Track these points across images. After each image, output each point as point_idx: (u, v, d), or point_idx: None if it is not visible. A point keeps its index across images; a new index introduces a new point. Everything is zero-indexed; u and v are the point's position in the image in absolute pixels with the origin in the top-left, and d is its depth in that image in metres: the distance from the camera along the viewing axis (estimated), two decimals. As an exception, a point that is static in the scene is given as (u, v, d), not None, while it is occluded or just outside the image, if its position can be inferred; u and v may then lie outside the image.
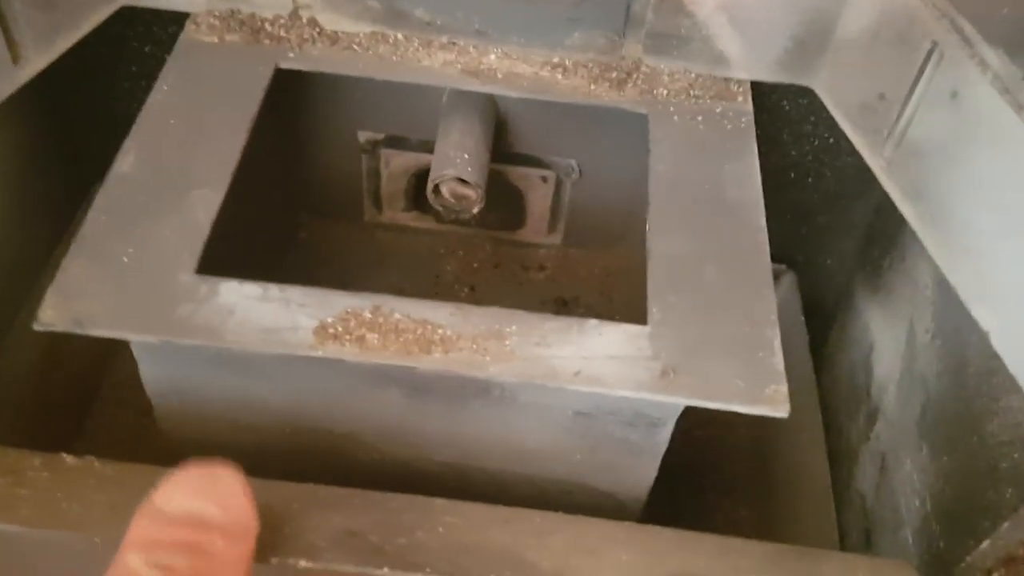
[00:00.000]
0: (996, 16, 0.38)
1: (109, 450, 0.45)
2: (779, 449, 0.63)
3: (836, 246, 0.66)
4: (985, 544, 0.40)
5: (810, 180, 0.63)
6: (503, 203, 0.66)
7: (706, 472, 0.68)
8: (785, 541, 0.40)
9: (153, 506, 0.30)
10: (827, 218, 0.65)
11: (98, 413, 0.65)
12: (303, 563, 0.34)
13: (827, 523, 0.54)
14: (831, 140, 0.60)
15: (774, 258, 0.66)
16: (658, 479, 0.65)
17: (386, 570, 0.34)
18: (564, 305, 0.66)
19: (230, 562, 0.29)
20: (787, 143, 0.61)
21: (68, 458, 0.39)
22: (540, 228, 0.68)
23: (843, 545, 0.58)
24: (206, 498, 0.30)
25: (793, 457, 0.61)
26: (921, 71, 0.43)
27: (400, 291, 0.66)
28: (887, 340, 0.57)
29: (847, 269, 0.66)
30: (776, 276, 0.67)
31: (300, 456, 0.46)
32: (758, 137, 0.59)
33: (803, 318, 0.64)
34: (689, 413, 0.70)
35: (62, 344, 0.60)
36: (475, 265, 0.69)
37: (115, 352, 0.67)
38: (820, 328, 0.69)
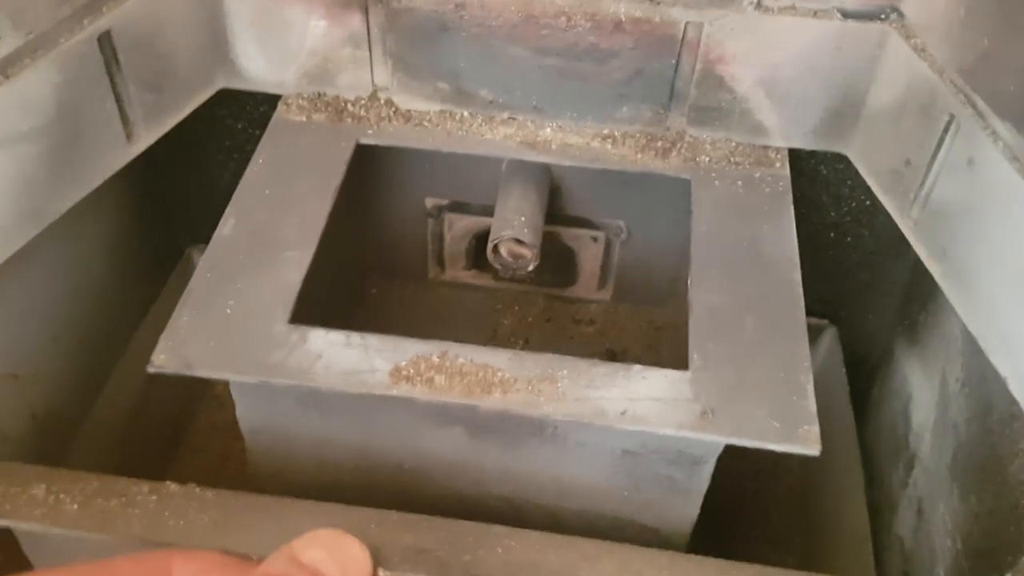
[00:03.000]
0: (1004, 92, 0.42)
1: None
2: (823, 498, 0.66)
3: (877, 302, 0.70)
4: (1009, 577, 0.43)
5: (849, 240, 0.66)
6: (556, 261, 0.71)
7: (755, 523, 0.70)
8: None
9: (291, 550, 0.33)
10: (867, 276, 0.68)
11: (181, 458, 0.71)
12: (381, 572, 0.38)
13: (866, 570, 0.56)
14: (868, 202, 0.64)
15: (817, 314, 0.71)
16: (710, 528, 0.68)
17: (453, 581, 0.38)
18: (613, 357, 0.70)
19: None
20: (826, 205, 0.65)
21: (172, 485, 0.44)
22: (591, 285, 0.72)
23: (884, 588, 0.60)
24: (335, 559, 0.33)
25: (835, 505, 0.63)
26: (941, 140, 0.47)
27: (461, 343, 0.72)
28: (923, 390, 0.60)
29: (888, 324, 0.69)
30: (819, 331, 0.70)
31: (373, 489, 0.51)
32: (798, 200, 0.64)
33: (844, 371, 0.67)
34: (737, 464, 0.73)
35: (153, 393, 0.67)
36: (529, 319, 0.74)
37: (199, 400, 0.73)
38: (864, 381, 0.72)
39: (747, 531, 0.70)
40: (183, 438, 0.72)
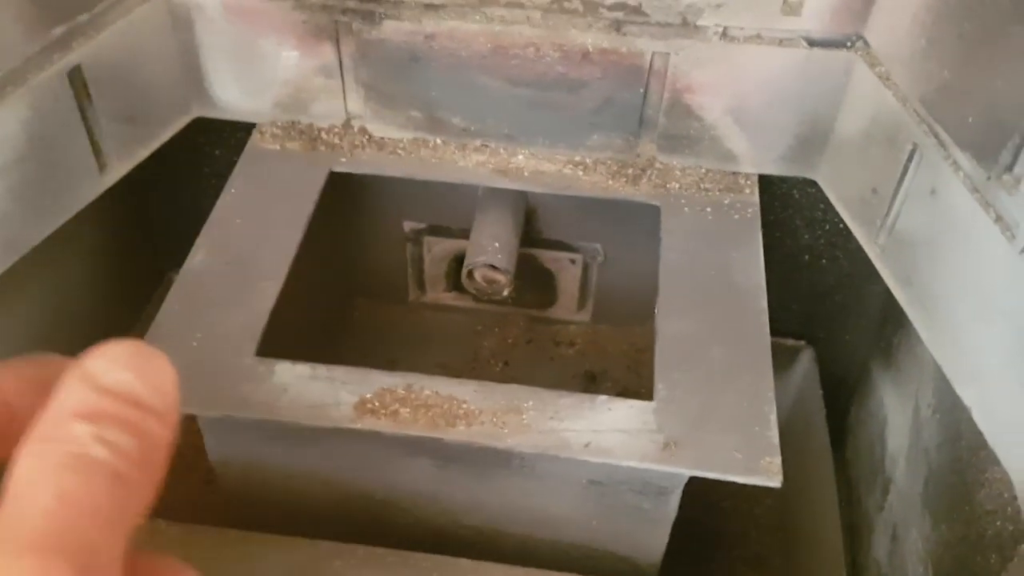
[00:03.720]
0: (965, 123, 0.43)
1: (175, 513, 0.50)
2: (799, 520, 0.66)
3: (854, 323, 0.70)
4: (976, 608, 0.43)
5: (824, 262, 0.66)
6: (536, 283, 0.71)
7: (734, 544, 0.70)
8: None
9: (87, 372, 0.26)
10: (843, 297, 0.68)
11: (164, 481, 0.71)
12: (341, 612, 0.38)
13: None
14: (841, 225, 0.63)
15: (795, 335, 0.71)
16: (688, 550, 0.68)
17: (412, 621, 0.38)
18: (592, 380, 0.71)
19: (162, 448, 0.26)
20: (800, 228, 0.65)
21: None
22: (570, 306, 0.73)
23: (860, 613, 0.60)
24: (141, 377, 0.27)
25: (811, 527, 0.63)
26: (906, 169, 0.47)
27: (442, 365, 0.72)
28: (898, 415, 0.60)
29: (865, 345, 0.69)
30: (795, 352, 0.71)
31: (345, 519, 0.51)
32: (772, 224, 0.64)
33: (821, 393, 0.67)
34: (715, 484, 0.73)
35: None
36: (510, 341, 0.74)
37: (182, 423, 0.73)
38: (843, 402, 0.72)
39: (726, 552, 0.70)
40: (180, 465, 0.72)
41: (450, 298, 0.74)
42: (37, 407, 0.25)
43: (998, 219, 0.40)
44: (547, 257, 0.69)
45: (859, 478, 0.67)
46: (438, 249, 0.71)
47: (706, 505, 0.71)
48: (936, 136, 0.45)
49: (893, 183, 0.48)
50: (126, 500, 0.25)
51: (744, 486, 0.72)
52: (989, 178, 0.41)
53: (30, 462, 0.24)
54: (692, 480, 0.46)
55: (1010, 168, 0.40)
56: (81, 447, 0.24)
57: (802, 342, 0.70)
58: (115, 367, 0.27)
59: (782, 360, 0.71)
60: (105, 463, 0.24)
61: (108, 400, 0.25)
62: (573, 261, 0.70)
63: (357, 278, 0.73)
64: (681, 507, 0.49)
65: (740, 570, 0.69)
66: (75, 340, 0.62)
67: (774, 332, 0.70)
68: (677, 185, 0.57)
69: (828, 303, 0.69)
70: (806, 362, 0.70)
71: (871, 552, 0.61)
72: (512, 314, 0.75)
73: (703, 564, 0.68)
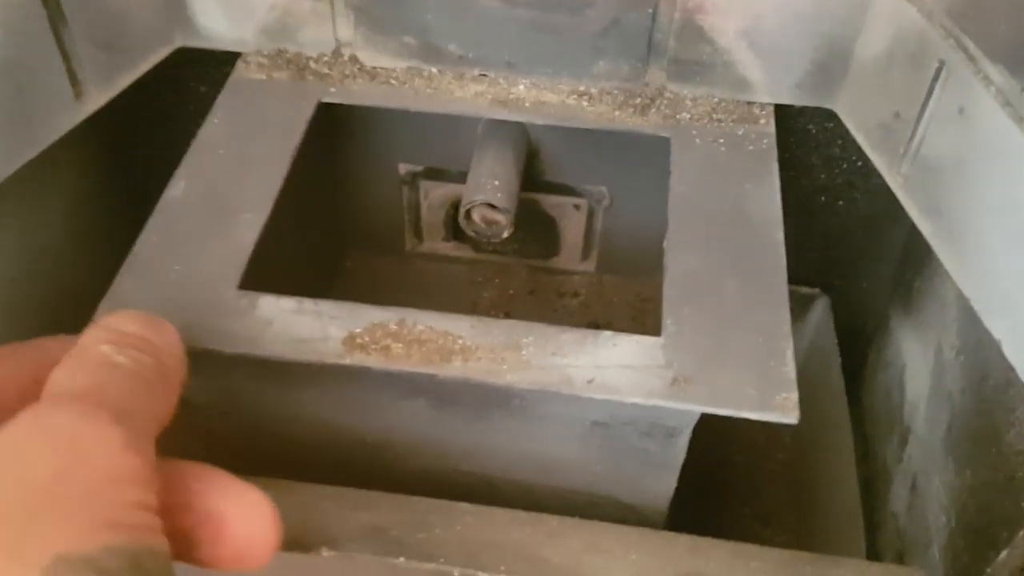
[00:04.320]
0: (996, 34, 0.39)
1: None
2: (814, 473, 0.63)
3: (872, 269, 0.67)
4: (1004, 554, 0.40)
5: (841, 204, 0.63)
6: (538, 231, 0.68)
7: (747, 499, 0.68)
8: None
9: (105, 323, 0.32)
10: (861, 241, 0.65)
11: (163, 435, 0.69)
12: (325, 552, 0.36)
13: (855, 545, 0.54)
14: (859, 163, 0.61)
15: (809, 283, 0.68)
16: (699, 505, 0.65)
17: (402, 560, 0.36)
18: (597, 330, 0.68)
19: (174, 376, 0.32)
20: (816, 167, 0.62)
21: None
22: (574, 256, 0.70)
23: (878, 568, 0.57)
24: (150, 328, 0.32)
25: (826, 481, 0.61)
26: (931, 90, 0.44)
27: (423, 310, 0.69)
28: (918, 360, 0.57)
29: (883, 292, 0.66)
30: (810, 300, 0.68)
31: (338, 464, 0.48)
32: (787, 163, 0.61)
33: (836, 342, 0.64)
34: (728, 437, 0.70)
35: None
36: (511, 292, 0.71)
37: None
38: (859, 352, 0.69)
39: (738, 508, 0.67)
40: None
41: (449, 248, 0.72)
42: (29, 393, 0.29)
43: (1035, 133, 0.37)
44: (550, 203, 0.66)
45: (875, 430, 0.64)
46: (436, 194, 0.68)
47: (717, 460, 0.69)
48: (965, 50, 0.42)
49: (918, 105, 0.45)
50: (149, 398, 0.30)
51: (758, 439, 0.70)
52: (1023, 90, 0.37)
53: (66, 366, 0.29)
54: (703, 431, 0.43)
55: (1049, 77, 0.36)
56: (107, 357, 0.29)
57: (816, 290, 0.67)
58: (127, 321, 0.32)
59: (795, 309, 0.67)
60: (129, 367, 0.29)
61: (126, 336, 0.31)
62: (577, 207, 0.67)
63: (350, 226, 0.70)
64: (691, 461, 0.46)
65: (751, 525, 0.67)
66: (54, 279, 0.60)
67: (788, 279, 0.68)
68: (688, 116, 0.54)
69: (844, 248, 0.66)
70: (820, 311, 0.67)
71: (888, 506, 0.59)
72: (513, 264, 0.72)
73: (713, 519, 0.66)
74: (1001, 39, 0.39)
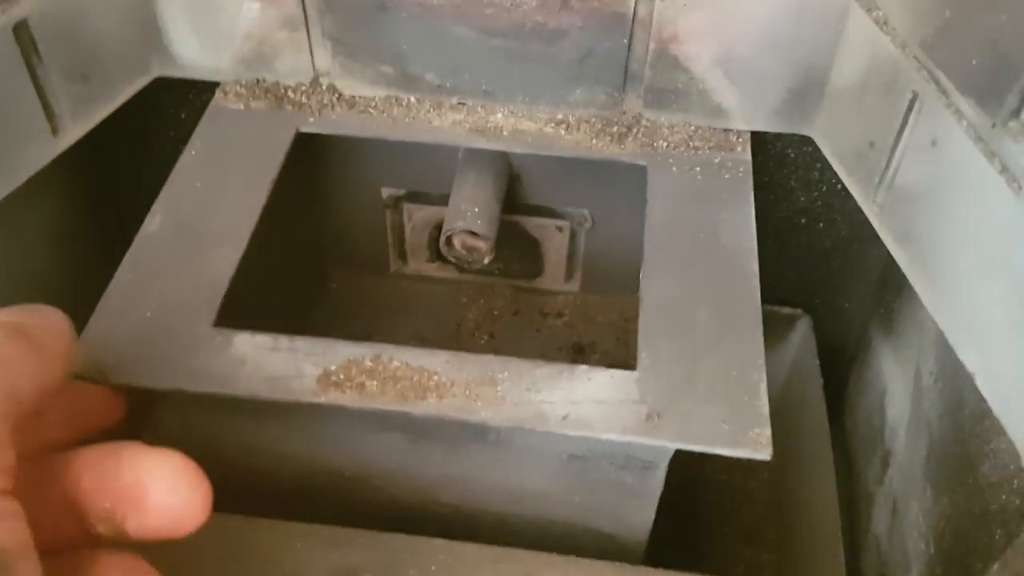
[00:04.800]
0: (968, 67, 0.39)
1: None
2: (796, 493, 0.63)
3: (853, 290, 0.67)
4: (979, 586, 0.40)
5: (821, 225, 0.63)
6: (521, 253, 0.68)
7: (728, 518, 0.68)
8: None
9: None
10: (841, 262, 0.65)
11: None
12: (296, 597, 0.36)
13: (835, 567, 0.54)
14: (839, 186, 0.61)
15: (791, 303, 0.68)
16: (680, 524, 0.65)
17: (373, 605, 0.36)
18: (580, 351, 0.68)
19: (53, 363, 0.30)
20: (796, 190, 0.62)
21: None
22: (558, 276, 0.70)
23: (860, 590, 0.58)
24: (29, 316, 0.31)
25: (808, 501, 0.61)
26: (905, 120, 0.44)
27: (423, 338, 0.69)
28: (898, 383, 0.57)
29: (865, 312, 0.66)
30: (792, 321, 0.68)
31: (314, 497, 0.48)
32: (767, 185, 0.61)
33: (818, 362, 0.64)
34: (709, 457, 0.70)
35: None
36: (495, 312, 0.71)
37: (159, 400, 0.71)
38: (841, 372, 0.69)
39: (719, 527, 0.67)
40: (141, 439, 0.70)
41: (433, 268, 0.71)
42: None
43: (1003, 169, 0.37)
44: (532, 224, 0.66)
45: (858, 451, 0.64)
46: (419, 216, 0.68)
47: (699, 479, 0.69)
48: (937, 82, 0.42)
49: (892, 135, 0.45)
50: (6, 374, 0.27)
51: (738, 459, 0.70)
52: (994, 125, 0.37)
53: None
54: (681, 453, 0.43)
55: (1016, 114, 0.36)
56: None
57: (798, 310, 0.67)
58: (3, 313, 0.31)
59: (778, 329, 0.68)
60: None
61: None
62: (560, 228, 0.67)
63: (333, 248, 0.70)
64: (672, 481, 0.46)
65: (733, 545, 0.67)
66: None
67: (769, 300, 0.67)
68: (665, 143, 0.54)
69: (826, 269, 0.66)
70: (803, 331, 0.67)
71: (871, 527, 0.59)
72: (497, 285, 0.72)
73: (695, 538, 0.66)
74: (973, 72, 0.39)
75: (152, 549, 0.39)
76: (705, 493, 0.68)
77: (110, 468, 0.28)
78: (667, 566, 0.42)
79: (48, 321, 0.31)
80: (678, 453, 0.43)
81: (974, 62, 0.39)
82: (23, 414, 0.27)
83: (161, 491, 0.28)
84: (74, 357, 0.32)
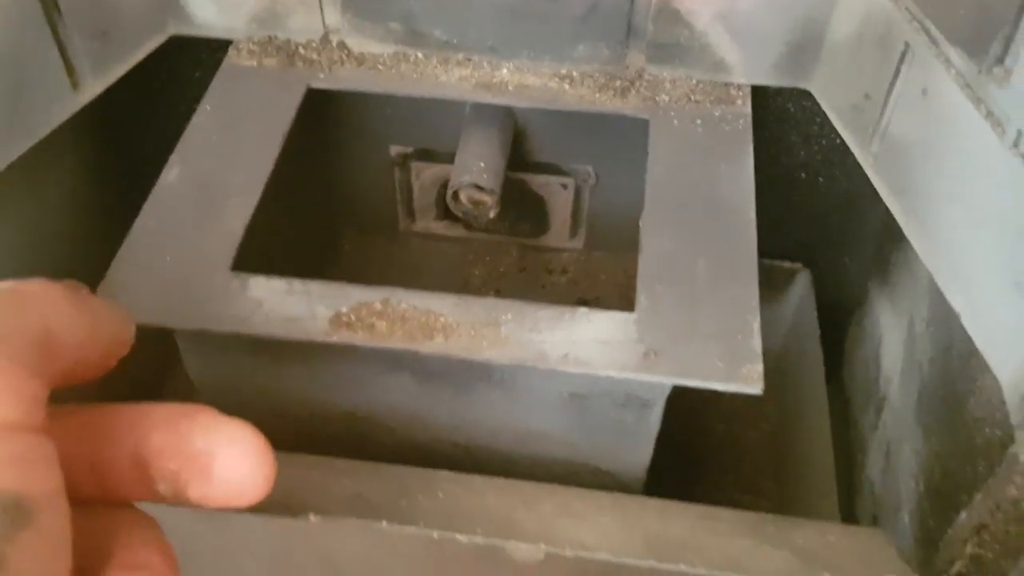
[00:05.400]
0: (956, 17, 0.41)
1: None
2: (793, 445, 0.65)
3: (854, 245, 0.68)
4: (963, 516, 0.42)
5: (822, 180, 0.65)
6: (528, 211, 0.70)
7: (728, 468, 0.70)
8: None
9: None
10: (842, 217, 0.67)
11: None
12: (312, 517, 0.38)
13: (830, 513, 0.56)
14: (838, 141, 0.61)
15: (792, 258, 0.70)
16: (681, 474, 0.67)
17: (384, 523, 0.38)
18: (574, 307, 0.69)
19: (100, 322, 0.29)
20: (796, 144, 0.63)
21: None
22: (563, 233, 0.71)
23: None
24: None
25: (804, 451, 0.62)
26: (897, 71, 0.46)
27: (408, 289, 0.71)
28: (893, 332, 0.59)
29: (864, 267, 0.68)
30: (792, 275, 0.69)
31: (328, 438, 0.50)
32: (766, 140, 0.62)
33: (816, 315, 0.66)
34: (711, 409, 0.72)
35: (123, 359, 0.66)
36: (501, 270, 0.73)
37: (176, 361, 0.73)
38: (841, 326, 0.71)
39: (719, 476, 0.69)
40: (161, 397, 0.72)
41: (441, 227, 0.73)
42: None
43: (988, 114, 0.38)
44: (538, 182, 0.68)
45: (854, 401, 0.66)
46: (427, 175, 0.69)
47: (700, 430, 0.71)
48: (927, 33, 0.43)
49: (885, 86, 0.47)
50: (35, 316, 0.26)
51: (741, 410, 0.72)
52: (980, 72, 0.39)
53: None
54: (684, 402, 0.45)
55: (1000, 60, 0.38)
56: None
57: (798, 264, 0.69)
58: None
59: (778, 284, 0.70)
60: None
61: None
62: (564, 186, 0.68)
63: (344, 208, 0.72)
64: (674, 431, 0.48)
65: (732, 493, 0.69)
66: (56, 265, 0.62)
67: (770, 254, 0.69)
68: (667, 97, 0.55)
69: (826, 224, 0.67)
70: (802, 286, 0.68)
71: (865, 473, 0.61)
72: (504, 243, 0.74)
73: (695, 486, 0.68)
74: (960, 22, 0.40)
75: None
76: (707, 444, 0.70)
77: (183, 430, 0.28)
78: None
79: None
80: (678, 400, 0.45)
81: (961, 12, 0.40)
82: (56, 358, 0.26)
83: (229, 463, 0.28)
84: (124, 328, 0.31)
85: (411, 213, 0.72)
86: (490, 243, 0.73)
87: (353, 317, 0.44)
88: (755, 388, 0.41)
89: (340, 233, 0.74)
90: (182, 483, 0.28)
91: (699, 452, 0.69)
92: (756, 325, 0.43)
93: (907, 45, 0.44)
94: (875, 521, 0.56)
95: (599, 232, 0.70)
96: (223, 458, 0.28)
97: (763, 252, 0.68)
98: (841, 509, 0.57)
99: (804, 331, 0.66)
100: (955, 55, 0.41)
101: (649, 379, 0.42)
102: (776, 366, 0.72)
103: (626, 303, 0.71)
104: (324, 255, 0.72)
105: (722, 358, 0.42)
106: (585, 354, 0.42)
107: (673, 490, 0.51)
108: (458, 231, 0.73)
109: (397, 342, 0.43)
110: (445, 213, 0.72)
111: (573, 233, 0.71)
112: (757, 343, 0.42)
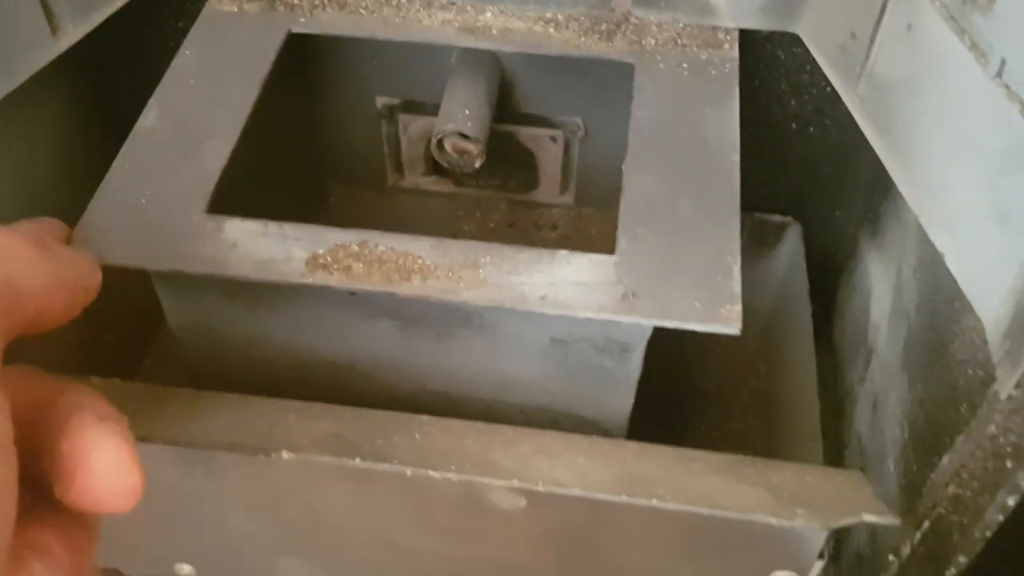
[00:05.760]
0: (943, -53, 0.40)
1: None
2: (781, 401, 0.65)
3: (844, 198, 0.67)
4: (944, 460, 0.41)
5: (812, 131, 0.64)
6: (517, 165, 0.69)
7: (718, 424, 0.70)
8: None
9: None
10: (832, 169, 0.66)
11: (155, 356, 0.71)
12: (285, 454, 0.38)
13: (813, 455, 0.55)
14: (828, 89, 0.61)
15: (782, 211, 0.69)
16: (669, 430, 0.67)
17: (357, 460, 0.38)
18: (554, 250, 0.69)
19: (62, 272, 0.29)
20: (786, 94, 0.62)
21: (94, 380, 0.44)
22: (552, 188, 0.71)
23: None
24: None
25: (791, 408, 0.62)
26: (883, 7, 0.45)
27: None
28: (882, 282, 0.58)
29: (855, 220, 0.67)
30: (782, 229, 0.68)
31: (308, 385, 0.50)
32: (757, 90, 0.61)
33: (805, 268, 0.65)
34: (701, 365, 0.72)
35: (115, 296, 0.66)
36: (491, 225, 0.72)
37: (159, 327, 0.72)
38: (832, 280, 0.70)
39: (708, 431, 0.69)
40: (155, 339, 0.71)
41: (430, 182, 0.72)
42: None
43: (973, 46, 0.38)
44: (527, 135, 0.67)
45: (845, 354, 0.65)
46: (415, 128, 0.69)
47: (689, 389, 0.70)
48: (915, -34, 0.42)
49: (871, 24, 0.46)
50: None
51: (731, 367, 0.71)
52: (963, 2, 0.38)
53: None
54: (672, 357, 0.45)
55: (986, -12, 0.37)
56: None
57: (788, 218, 0.68)
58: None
59: (768, 237, 0.69)
60: None
61: None
62: (554, 139, 0.67)
63: (331, 161, 0.71)
64: (662, 388, 0.47)
65: (721, 448, 0.68)
66: (42, 206, 0.62)
67: (760, 207, 0.68)
68: (653, 41, 0.54)
69: (817, 177, 0.66)
70: (793, 239, 0.68)
71: (853, 426, 0.60)
72: (493, 198, 0.73)
73: (684, 442, 0.67)
74: (946, -47, 0.39)
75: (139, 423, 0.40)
76: (695, 402, 0.70)
77: (54, 428, 0.27)
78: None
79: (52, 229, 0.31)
80: (673, 355, 0.45)
81: (949, -58, 0.39)
82: (16, 307, 0.26)
83: (89, 472, 0.26)
84: (90, 276, 0.31)
85: (399, 167, 0.72)
86: (479, 198, 0.73)
87: (329, 259, 0.43)
88: (733, 328, 0.40)
89: (326, 186, 0.73)
90: (52, 481, 0.27)
91: (688, 411, 0.69)
92: (736, 268, 0.43)
93: (894, -20, 0.43)
94: (862, 471, 0.56)
95: (589, 187, 0.70)
96: (84, 467, 0.26)
97: (753, 206, 0.68)
98: (828, 464, 0.57)
99: (794, 286, 0.66)
100: (941, -13, 0.40)
101: (626, 320, 0.41)
102: (767, 323, 0.71)
103: (615, 258, 0.71)
104: (309, 208, 0.72)
105: (701, 300, 0.42)
106: (564, 296, 0.42)
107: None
108: (447, 186, 0.72)
109: (374, 284, 0.42)
110: (434, 168, 0.71)
111: (563, 188, 0.71)
112: (736, 285, 0.42)
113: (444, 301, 0.42)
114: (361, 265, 0.43)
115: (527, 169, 0.70)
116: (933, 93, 0.41)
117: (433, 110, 0.66)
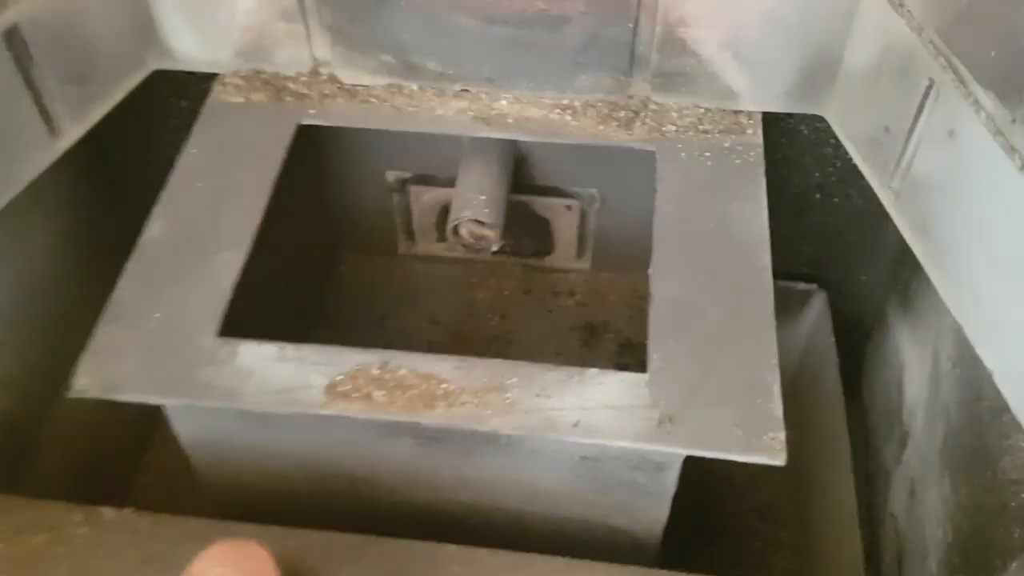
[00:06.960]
0: (986, 58, 0.38)
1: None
2: (812, 470, 0.63)
3: (869, 264, 0.66)
4: (996, 583, 0.40)
5: (836, 200, 0.62)
6: (531, 231, 0.67)
7: (746, 494, 0.68)
8: (816, 562, 0.38)
9: (194, 571, 0.33)
10: (857, 237, 0.64)
11: (148, 462, 0.69)
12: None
13: (852, 545, 0.54)
14: (852, 162, 0.59)
15: (807, 278, 0.67)
16: (697, 500, 0.65)
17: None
18: (593, 332, 0.67)
19: None
20: (809, 166, 0.60)
21: (107, 511, 0.42)
22: (569, 254, 0.69)
23: (878, 566, 0.57)
24: (239, 570, 0.34)
25: (824, 478, 0.60)
26: (921, 107, 0.43)
27: (434, 320, 0.69)
28: (915, 364, 0.56)
29: (881, 286, 0.65)
30: (807, 296, 0.67)
31: (327, 500, 0.49)
32: (780, 162, 0.60)
33: (834, 340, 0.63)
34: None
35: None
36: (506, 293, 0.70)
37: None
38: (858, 345, 0.68)
39: (737, 502, 0.68)
40: (153, 436, 0.70)
41: (442, 248, 0.71)
42: None
43: (1025, 167, 0.36)
44: (542, 204, 0.65)
45: (876, 426, 0.63)
46: (426, 198, 0.67)
47: (716, 461, 0.69)
48: (955, 71, 0.40)
49: (908, 122, 0.44)
50: None
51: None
52: (1014, 121, 0.36)
53: None
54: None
55: (1038, 108, 0.35)
56: None
57: (814, 285, 0.66)
58: (216, 565, 0.34)
59: (793, 305, 0.67)
60: None
61: None
62: (569, 207, 0.66)
63: (341, 231, 0.69)
64: (686, 460, 0.45)
65: (751, 521, 0.67)
66: (45, 305, 0.60)
67: (784, 275, 0.66)
68: (674, 127, 0.52)
69: (841, 244, 0.65)
70: (818, 306, 0.66)
71: (887, 505, 0.59)
72: (508, 264, 0.71)
73: (712, 515, 0.66)
74: (991, 64, 0.37)
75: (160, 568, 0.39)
76: (722, 470, 0.68)
77: None
78: (686, 563, 0.42)
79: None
80: None
81: (992, 54, 0.37)
82: None
83: None
84: None
85: (411, 235, 0.70)
86: (494, 264, 0.71)
87: (349, 386, 0.42)
88: (778, 460, 0.39)
89: (339, 257, 0.71)
90: None
91: (717, 479, 0.67)
92: (776, 387, 0.41)
93: (932, 81, 0.42)
94: (900, 558, 0.54)
95: (606, 252, 0.68)
96: None
97: (777, 273, 0.67)
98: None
99: (821, 352, 0.64)
100: (986, 98, 0.38)
101: (664, 450, 0.40)
102: (792, 387, 0.69)
103: (634, 325, 0.70)
104: (323, 279, 0.70)
105: (741, 425, 0.40)
106: (596, 421, 0.40)
107: (688, 519, 0.49)
108: (460, 252, 0.71)
109: (397, 413, 0.41)
110: (446, 235, 0.69)
111: (580, 254, 0.69)
112: (778, 408, 0.40)
113: (471, 430, 0.41)
114: (382, 392, 0.42)
115: (542, 235, 0.68)
116: (976, 205, 0.39)
117: (444, 181, 0.64)
